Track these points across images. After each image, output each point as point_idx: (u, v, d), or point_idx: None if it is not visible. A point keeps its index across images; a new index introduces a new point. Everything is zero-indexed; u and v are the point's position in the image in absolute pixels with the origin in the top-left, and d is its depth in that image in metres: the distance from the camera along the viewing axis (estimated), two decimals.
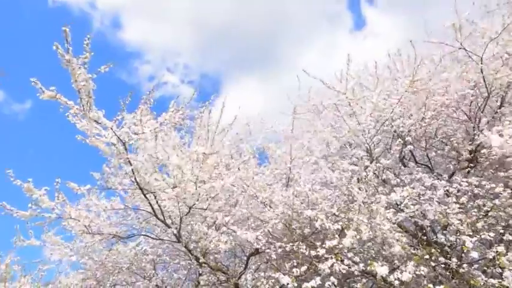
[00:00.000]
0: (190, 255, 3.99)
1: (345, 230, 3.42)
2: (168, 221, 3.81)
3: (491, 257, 3.31)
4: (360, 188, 3.67)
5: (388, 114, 4.13)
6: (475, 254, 3.50)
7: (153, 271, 4.28)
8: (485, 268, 3.52)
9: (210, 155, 2.82)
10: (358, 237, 3.10)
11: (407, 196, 3.48)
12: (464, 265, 3.48)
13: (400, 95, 4.11)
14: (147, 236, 4.18)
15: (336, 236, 3.47)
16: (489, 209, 3.71)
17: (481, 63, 4.09)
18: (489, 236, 3.36)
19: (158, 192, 3.16)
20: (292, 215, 3.86)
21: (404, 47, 4.75)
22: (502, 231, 3.58)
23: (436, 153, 4.94)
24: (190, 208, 3.28)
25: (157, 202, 3.62)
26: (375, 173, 4.14)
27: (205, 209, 3.29)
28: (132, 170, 3.22)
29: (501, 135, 3.72)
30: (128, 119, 3.16)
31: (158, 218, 3.71)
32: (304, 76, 4.33)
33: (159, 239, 4.07)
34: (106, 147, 3.33)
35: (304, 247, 3.46)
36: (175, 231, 3.63)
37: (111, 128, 3.05)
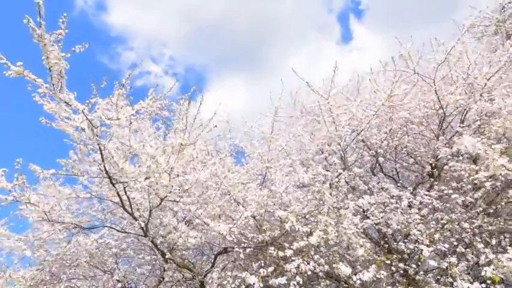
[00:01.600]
0: (156, 250, 3.88)
1: (313, 232, 3.51)
2: (136, 214, 3.67)
3: (444, 266, 3.54)
4: (331, 193, 3.79)
5: (364, 124, 4.29)
6: (430, 263, 3.75)
7: (115, 265, 4.09)
8: (438, 277, 3.77)
9: (186, 146, 2.74)
10: (324, 237, 3.20)
11: (374, 204, 3.64)
12: (421, 273, 3.70)
13: (377, 108, 4.29)
14: (112, 228, 3.99)
15: (305, 238, 3.55)
16: (446, 222, 3.97)
17: (434, 85, 4.41)
18: (444, 247, 3.60)
19: (128, 182, 3.03)
20: (264, 215, 3.89)
21: (387, 63, 5.03)
22: (455, 243, 3.84)
23: (402, 166, 5.22)
24: (161, 200, 3.18)
25: (126, 193, 3.48)
26: (346, 180, 4.29)
27: (178, 202, 3.20)
28: (102, 157, 3.07)
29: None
30: (101, 104, 3.00)
31: (126, 210, 3.57)
32: (288, 80, 4.40)
33: (125, 232, 3.90)
34: (75, 132, 3.14)
35: (273, 248, 3.50)
36: (142, 225, 3.51)
37: (83, 111, 2.88)
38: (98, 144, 2.93)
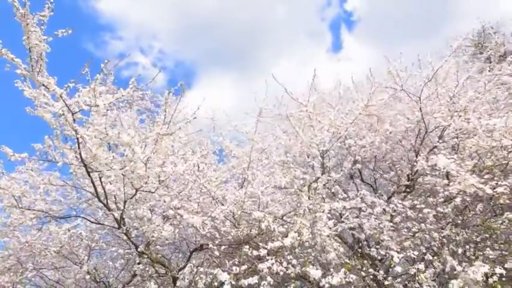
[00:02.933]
0: (130, 243, 3.82)
1: (288, 233, 3.55)
2: (112, 205, 3.61)
3: (412, 273, 3.67)
4: (308, 197, 3.86)
5: (342, 131, 4.40)
6: (399, 269, 3.87)
7: (87, 257, 3.98)
8: (406, 282, 3.89)
9: (164, 136, 2.72)
10: (299, 238, 3.24)
11: (349, 208, 3.72)
12: (389, 278, 3.80)
13: (355, 116, 4.41)
14: (86, 218, 3.90)
15: (280, 238, 3.59)
16: (417, 231, 4.11)
17: (420, 103, 4.59)
18: (413, 254, 3.73)
19: (104, 170, 2.99)
20: (241, 214, 3.91)
21: (369, 76, 5.18)
22: (424, 251, 3.98)
23: (381, 176, 5.37)
24: (136, 190, 3.14)
25: (101, 183, 3.43)
26: (324, 185, 4.38)
27: (153, 193, 3.16)
28: (78, 144, 3.01)
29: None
30: (82, 91, 2.96)
31: (100, 200, 3.50)
32: (275, 83, 4.45)
33: (99, 223, 3.83)
34: (52, 118, 3.08)
35: (248, 247, 3.53)
36: (117, 216, 3.45)
37: (61, 96, 2.82)
38: (75, 131, 2.88)
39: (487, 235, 3.88)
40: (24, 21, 2.25)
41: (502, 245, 3.78)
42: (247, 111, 5.24)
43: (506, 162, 4.09)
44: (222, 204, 4.05)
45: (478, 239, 3.93)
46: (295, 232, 3.24)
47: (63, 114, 2.88)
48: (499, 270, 3.22)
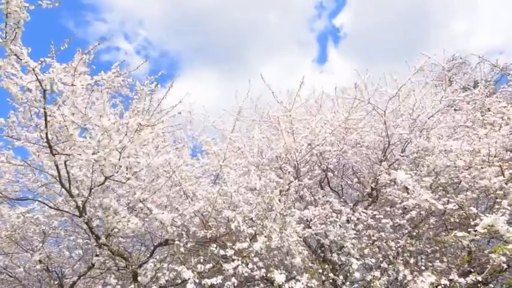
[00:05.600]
0: (90, 233, 3.63)
1: (257, 236, 3.59)
2: (75, 191, 3.40)
3: (368, 279, 3.89)
4: (279, 200, 3.93)
5: (320, 140, 4.55)
6: (357, 275, 4.08)
7: (41, 244, 3.70)
8: None
9: (144, 127, 2.62)
10: (268, 243, 3.29)
11: (317, 215, 3.85)
12: (347, 283, 4.00)
13: (334, 127, 4.58)
14: (44, 203, 3.63)
15: (248, 239, 3.62)
16: (376, 239, 4.37)
17: (384, 116, 4.90)
18: (371, 261, 3.96)
19: (72, 154, 2.81)
20: (212, 212, 3.88)
21: (346, 89, 5.42)
22: (381, 259, 4.24)
23: (347, 184, 5.63)
24: (106, 179, 2.99)
25: (66, 167, 3.21)
26: (295, 189, 4.49)
27: (124, 183, 3.03)
28: (46, 123, 2.80)
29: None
30: (57, 67, 2.75)
31: (62, 185, 3.27)
32: (258, 84, 4.49)
33: (58, 209, 3.57)
34: (19, 92, 2.84)
35: (215, 246, 3.51)
36: (79, 203, 3.26)
37: (34, 70, 2.61)
38: (44, 109, 2.68)
39: (437, 248, 4.23)
40: None
41: (449, 258, 4.14)
42: (227, 110, 5.22)
43: (459, 181, 4.49)
44: (192, 200, 3.99)
45: (429, 251, 4.27)
46: (265, 236, 3.28)
47: (32, 90, 2.66)
48: (444, 281, 3.53)
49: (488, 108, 5.35)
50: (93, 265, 3.64)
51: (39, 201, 3.56)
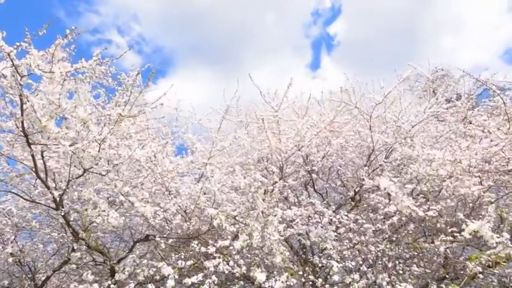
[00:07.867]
0: (67, 227, 3.52)
1: (239, 234, 3.57)
2: (51, 184, 3.29)
3: (348, 282, 3.92)
4: (263, 200, 3.93)
5: (306, 141, 4.58)
6: (337, 278, 4.11)
7: (13, 237, 3.56)
8: None
9: (124, 118, 2.56)
10: (249, 241, 3.28)
11: (300, 215, 3.87)
12: (327, 285, 4.02)
13: (320, 130, 4.62)
14: (18, 195, 3.50)
15: (229, 237, 3.60)
16: (357, 243, 4.42)
17: (370, 122, 4.99)
18: (351, 264, 4.00)
19: (49, 145, 2.72)
20: (195, 209, 3.84)
21: (334, 93, 5.48)
22: (361, 262, 4.29)
23: (331, 186, 5.69)
24: (85, 171, 2.90)
25: (42, 157, 3.10)
26: (280, 190, 4.49)
27: (104, 175, 2.95)
28: (22, 112, 2.69)
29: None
30: (34, 53, 2.65)
31: (38, 177, 3.15)
32: (247, 84, 4.48)
33: (34, 201, 3.45)
34: None
35: (197, 243, 3.47)
36: (56, 195, 3.16)
37: (9, 54, 2.51)
38: (20, 96, 2.58)
39: (415, 253, 4.31)
40: None
41: (426, 263, 4.22)
42: (215, 108, 5.18)
43: (440, 189, 4.60)
44: (175, 197, 3.94)
45: (408, 256, 4.35)
46: (246, 235, 3.26)
47: (7, 76, 2.56)
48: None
49: (470, 121, 5.52)
50: (69, 260, 3.53)
51: (13, 192, 3.42)
